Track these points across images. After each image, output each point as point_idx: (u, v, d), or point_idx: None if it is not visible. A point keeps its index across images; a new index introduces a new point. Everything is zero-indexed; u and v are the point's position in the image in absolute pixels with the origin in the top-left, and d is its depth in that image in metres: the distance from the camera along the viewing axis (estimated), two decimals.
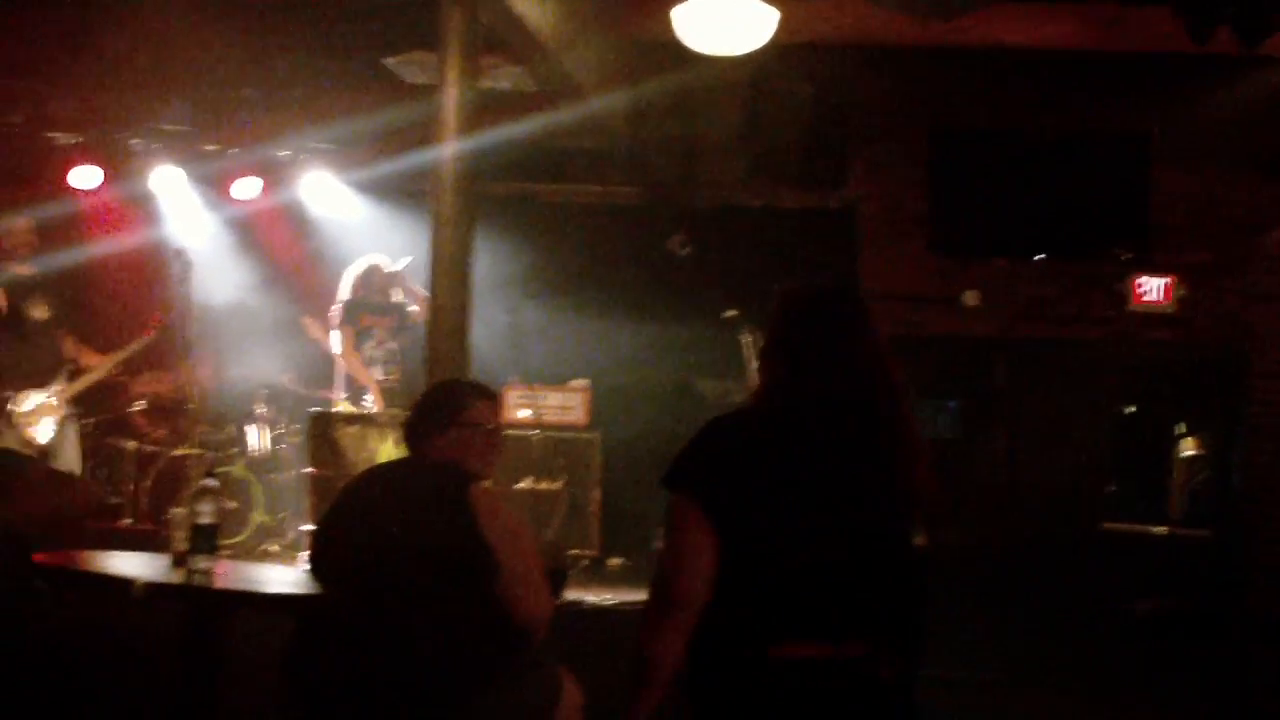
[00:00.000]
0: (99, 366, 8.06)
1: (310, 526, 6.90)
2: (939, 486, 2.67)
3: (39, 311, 7.86)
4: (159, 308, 8.59)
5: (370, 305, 8.44)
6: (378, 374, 8.34)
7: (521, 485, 8.70)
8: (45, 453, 7.49)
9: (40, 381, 7.78)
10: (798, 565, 2.50)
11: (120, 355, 8.22)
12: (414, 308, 8.30)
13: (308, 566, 3.93)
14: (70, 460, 7.80)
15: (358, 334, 8.40)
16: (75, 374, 8.02)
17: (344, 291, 8.40)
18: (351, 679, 3.53)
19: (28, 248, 7.98)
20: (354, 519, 3.75)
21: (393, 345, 8.47)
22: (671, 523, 2.60)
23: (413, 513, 3.66)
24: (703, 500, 2.55)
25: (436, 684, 3.52)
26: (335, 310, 8.42)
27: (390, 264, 8.45)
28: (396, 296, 8.50)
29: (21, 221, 8.03)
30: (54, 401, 7.75)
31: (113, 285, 9.86)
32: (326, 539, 3.83)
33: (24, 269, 7.93)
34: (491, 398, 4.01)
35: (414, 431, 3.92)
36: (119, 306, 9.49)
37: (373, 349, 8.44)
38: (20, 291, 7.82)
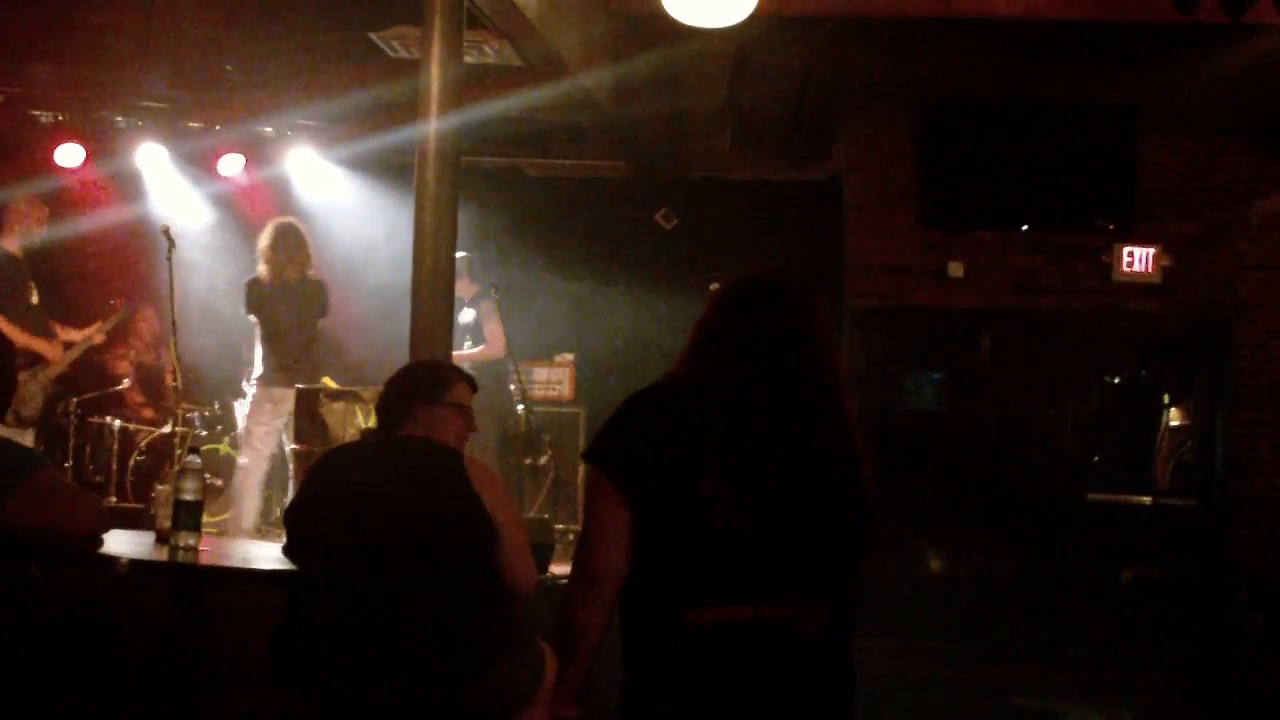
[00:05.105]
0: (71, 349, 7.99)
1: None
2: (872, 471, 2.70)
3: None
4: (120, 292, 8.53)
5: None
6: None
7: (507, 460, 8.69)
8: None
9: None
10: (708, 534, 2.53)
11: (84, 338, 8.14)
12: None
13: (284, 548, 3.83)
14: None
15: None
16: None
17: None
18: (352, 658, 3.49)
19: (39, 222, 7.83)
20: (341, 500, 3.65)
21: None
22: (588, 497, 2.69)
23: (412, 489, 3.61)
24: (614, 475, 2.61)
25: (440, 659, 3.50)
26: None
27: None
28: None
29: (29, 197, 7.90)
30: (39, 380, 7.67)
31: (97, 263, 9.82)
32: (310, 521, 3.73)
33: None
34: (470, 380, 4.02)
35: (396, 407, 3.87)
36: (103, 284, 9.45)
37: None
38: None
